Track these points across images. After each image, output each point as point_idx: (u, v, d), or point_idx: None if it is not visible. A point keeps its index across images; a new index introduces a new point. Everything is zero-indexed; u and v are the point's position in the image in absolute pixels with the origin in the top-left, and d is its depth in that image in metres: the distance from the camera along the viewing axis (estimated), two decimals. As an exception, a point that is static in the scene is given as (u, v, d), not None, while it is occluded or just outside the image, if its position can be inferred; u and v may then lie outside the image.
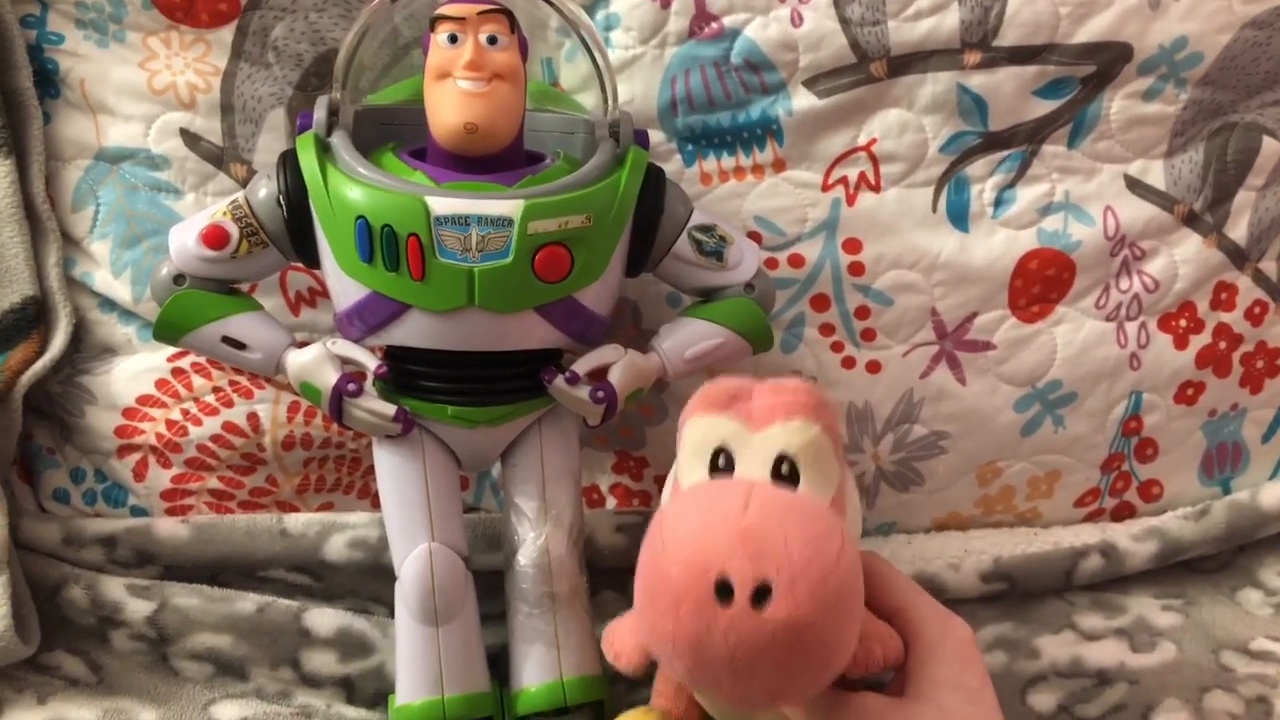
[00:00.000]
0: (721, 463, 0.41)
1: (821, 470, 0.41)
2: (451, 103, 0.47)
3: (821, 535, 0.37)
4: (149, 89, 0.57)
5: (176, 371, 0.59)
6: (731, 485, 0.40)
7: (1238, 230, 0.62)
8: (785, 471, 0.40)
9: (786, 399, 0.41)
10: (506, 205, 0.47)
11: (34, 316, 0.58)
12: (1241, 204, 0.61)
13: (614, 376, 0.51)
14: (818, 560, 0.36)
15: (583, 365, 0.51)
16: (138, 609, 0.56)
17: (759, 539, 0.36)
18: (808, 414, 0.40)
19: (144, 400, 0.59)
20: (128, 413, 0.59)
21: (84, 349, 0.60)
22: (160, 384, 0.59)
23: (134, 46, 0.57)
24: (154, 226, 0.58)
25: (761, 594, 0.36)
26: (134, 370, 0.59)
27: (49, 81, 0.58)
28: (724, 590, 0.36)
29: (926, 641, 0.41)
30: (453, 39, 0.48)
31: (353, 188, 0.47)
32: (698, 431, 0.42)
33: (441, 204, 0.46)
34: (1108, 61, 0.58)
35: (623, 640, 0.44)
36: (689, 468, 0.42)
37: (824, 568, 0.36)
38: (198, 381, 0.59)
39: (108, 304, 0.60)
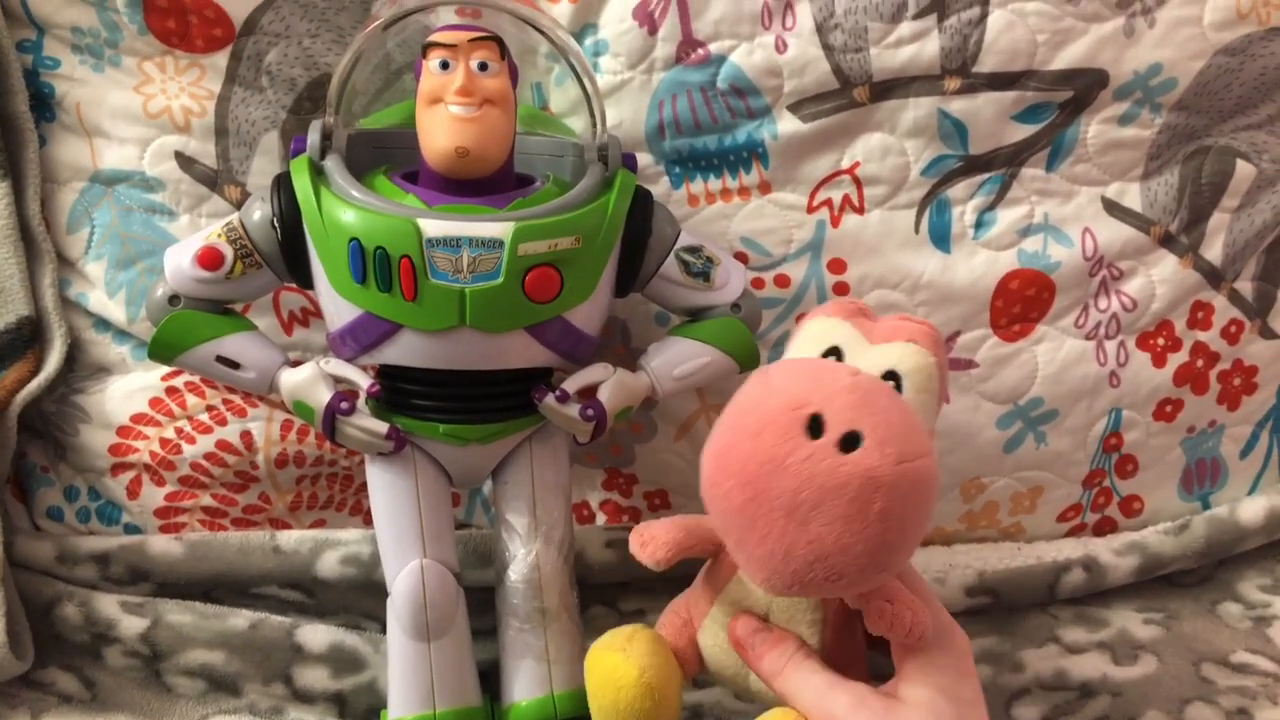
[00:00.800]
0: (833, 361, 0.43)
1: (923, 401, 0.42)
2: (443, 127, 0.48)
3: (918, 427, 0.38)
4: (144, 112, 0.58)
5: (170, 390, 0.60)
6: (841, 365, 0.41)
7: (1213, 251, 0.63)
8: (891, 387, 0.41)
9: (912, 326, 0.43)
10: (497, 227, 0.48)
11: (29, 336, 0.58)
12: (1216, 225, 0.63)
13: (603, 395, 0.52)
14: (911, 440, 0.37)
15: (572, 384, 0.52)
16: (131, 626, 0.56)
17: (865, 394, 0.38)
18: (929, 344, 0.42)
19: (138, 419, 0.60)
20: (122, 431, 0.60)
21: (78, 368, 0.60)
22: (154, 403, 0.60)
23: (129, 71, 0.58)
24: (149, 248, 0.59)
25: (851, 442, 0.37)
26: (128, 389, 0.60)
27: (45, 105, 0.59)
28: (816, 427, 0.37)
29: (926, 650, 0.42)
30: (444, 65, 0.49)
31: (346, 210, 0.48)
32: (817, 328, 0.44)
33: (433, 226, 0.47)
34: (1084, 87, 0.59)
35: (654, 531, 0.45)
36: (796, 355, 0.44)
37: (915, 449, 0.37)
38: (191, 400, 0.60)
39: (102, 324, 0.60)
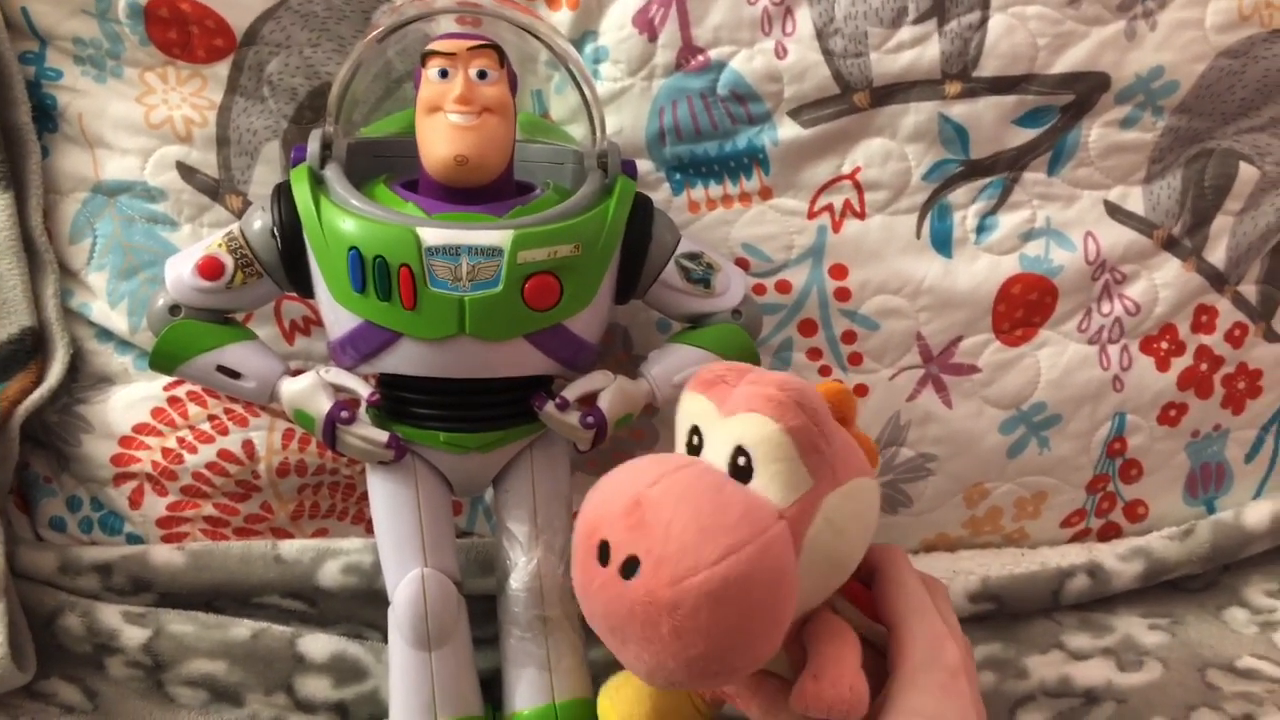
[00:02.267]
0: (695, 442, 0.41)
1: (778, 471, 0.38)
2: (442, 136, 0.48)
3: (715, 529, 0.37)
4: (146, 123, 0.58)
5: (172, 400, 0.60)
6: (663, 459, 0.40)
7: (1216, 254, 0.63)
8: (742, 464, 0.39)
9: (756, 391, 0.39)
10: (496, 235, 0.48)
11: (31, 347, 0.58)
12: (1219, 228, 0.62)
13: (603, 402, 0.52)
14: (695, 553, 0.36)
15: (572, 391, 0.52)
16: (133, 636, 0.56)
17: (644, 514, 0.37)
18: (771, 410, 0.38)
19: (140, 429, 0.60)
20: (124, 441, 0.60)
21: (81, 378, 0.61)
22: (156, 412, 0.60)
23: (131, 82, 0.58)
24: (150, 258, 0.59)
25: (632, 566, 0.37)
26: (130, 399, 0.60)
27: (47, 116, 0.59)
28: (605, 553, 0.38)
29: (911, 666, 0.41)
30: (444, 74, 0.49)
31: (346, 219, 0.48)
32: (682, 406, 0.43)
33: (433, 234, 0.47)
34: (1086, 91, 0.59)
35: None
36: (676, 442, 0.43)
37: (698, 561, 0.36)
38: (193, 410, 0.60)
39: (105, 334, 0.60)
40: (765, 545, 0.37)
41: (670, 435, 0.62)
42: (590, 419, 0.51)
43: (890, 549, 0.45)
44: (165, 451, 0.60)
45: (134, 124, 0.58)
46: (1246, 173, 0.62)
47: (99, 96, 0.58)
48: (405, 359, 0.49)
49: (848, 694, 0.39)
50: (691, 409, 0.42)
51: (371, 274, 0.48)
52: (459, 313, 0.48)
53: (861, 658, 0.40)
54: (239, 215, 0.59)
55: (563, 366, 0.52)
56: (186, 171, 0.59)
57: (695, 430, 0.41)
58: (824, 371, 0.62)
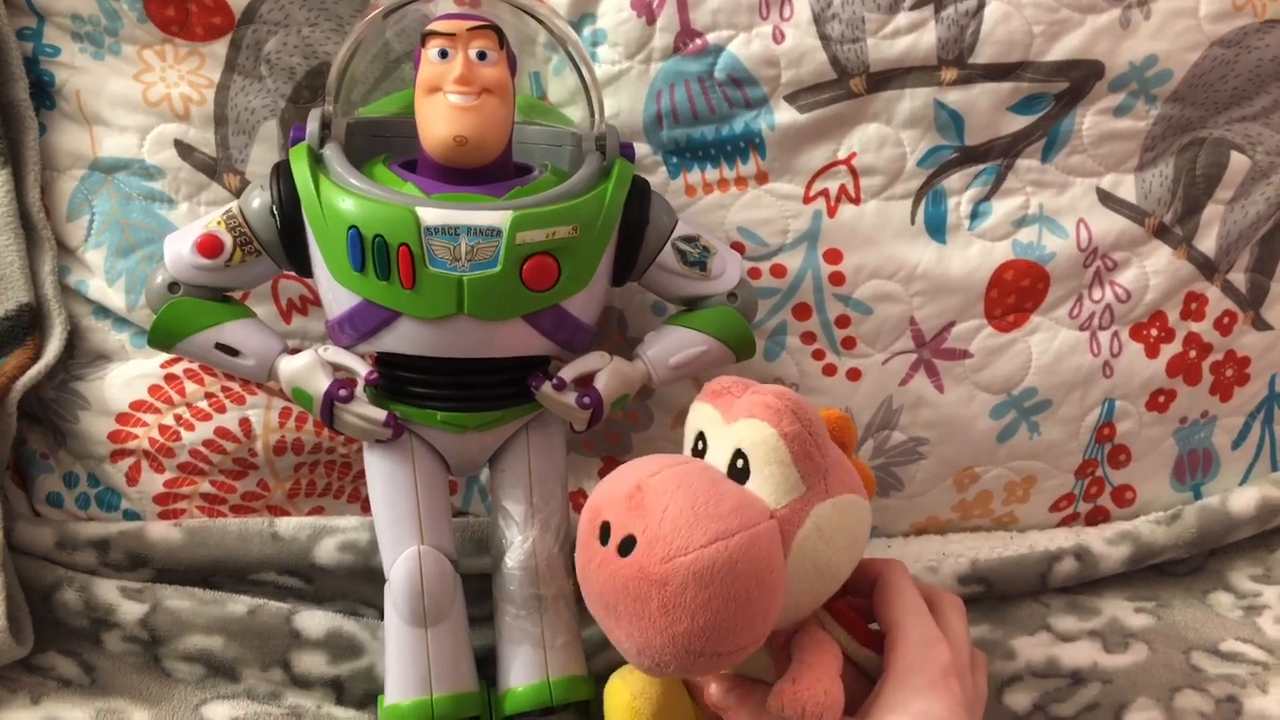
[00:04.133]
0: (700, 447, 0.45)
1: (772, 474, 0.41)
2: (442, 116, 0.48)
3: (707, 516, 0.39)
4: (144, 101, 0.58)
5: (169, 378, 0.60)
6: (667, 456, 0.43)
7: (1207, 242, 0.63)
8: (740, 466, 0.42)
9: (756, 400, 0.43)
10: (495, 216, 0.48)
11: (29, 324, 0.59)
12: (1210, 217, 0.63)
13: (600, 382, 0.52)
14: (686, 533, 0.39)
15: (569, 372, 0.52)
16: (130, 611, 0.57)
17: (644, 498, 0.40)
18: (769, 416, 0.41)
19: (137, 406, 0.60)
20: (121, 418, 0.60)
21: (78, 355, 0.61)
22: (153, 390, 0.60)
23: (129, 59, 0.58)
24: (148, 235, 0.59)
25: (627, 546, 0.40)
26: (127, 376, 0.60)
27: (45, 93, 0.59)
28: (605, 533, 0.40)
29: (903, 667, 0.42)
30: (443, 54, 0.49)
31: (345, 198, 0.49)
32: (691, 415, 0.46)
33: (432, 214, 0.48)
34: (1080, 78, 0.59)
35: None
36: (686, 447, 0.46)
37: (688, 542, 0.39)
38: (190, 387, 0.60)
39: (102, 311, 0.60)
40: (754, 537, 0.40)
41: (665, 417, 0.63)
42: (587, 399, 0.52)
43: (892, 562, 0.47)
44: (163, 429, 0.60)
45: (132, 101, 0.58)
46: (1238, 162, 0.62)
47: (97, 74, 0.58)
48: (403, 338, 0.50)
49: (822, 697, 0.41)
50: (699, 417, 0.45)
51: (371, 253, 0.48)
52: (458, 292, 0.48)
53: (842, 671, 0.42)
54: (236, 194, 0.59)
55: (560, 347, 0.52)
56: (184, 149, 0.59)
57: (701, 436, 0.45)
58: (817, 355, 0.62)
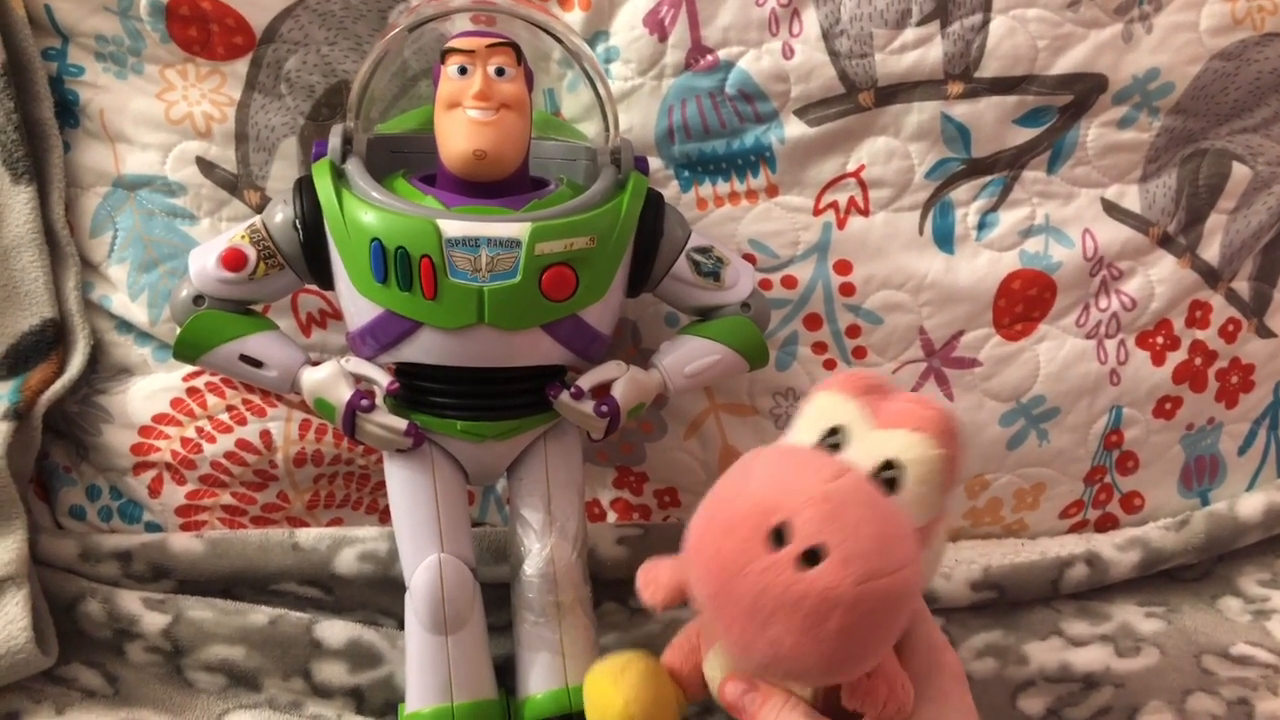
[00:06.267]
0: (835, 441, 0.41)
1: (924, 494, 0.39)
2: (462, 131, 0.49)
3: (897, 538, 0.37)
4: (166, 119, 0.59)
5: (191, 390, 0.61)
6: (828, 457, 0.40)
7: (1210, 251, 0.64)
8: (889, 477, 0.40)
9: (924, 412, 0.40)
10: (515, 228, 0.49)
11: (53, 338, 0.59)
12: (1213, 226, 0.64)
13: (617, 391, 0.53)
14: (879, 558, 0.36)
15: (587, 381, 0.53)
16: (153, 622, 0.57)
17: (836, 506, 0.37)
18: (936, 433, 0.39)
19: (159, 419, 0.61)
20: (144, 431, 0.61)
21: (101, 369, 0.62)
22: (175, 403, 0.61)
23: (152, 78, 0.59)
24: (170, 251, 0.60)
25: (812, 557, 0.36)
26: (150, 389, 0.61)
27: (69, 112, 0.60)
28: (778, 537, 0.37)
29: (913, 675, 0.42)
30: (462, 70, 0.50)
31: (367, 212, 0.49)
32: (822, 404, 0.42)
33: (453, 227, 0.49)
34: (1084, 91, 0.61)
35: (659, 571, 0.44)
36: (797, 433, 0.43)
37: (881, 567, 0.36)
38: (212, 400, 0.61)
39: (125, 326, 0.61)
40: (919, 563, 0.38)
41: (679, 427, 0.64)
42: (604, 408, 0.52)
43: None
44: (184, 441, 0.61)
45: (154, 120, 0.59)
46: (1239, 172, 0.63)
47: (120, 92, 0.59)
48: (425, 348, 0.50)
49: (900, 692, 0.40)
50: (835, 409, 0.42)
51: (393, 265, 0.49)
52: (478, 303, 0.49)
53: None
54: (257, 210, 0.60)
55: (577, 356, 0.53)
56: (206, 166, 0.60)
57: (836, 430, 0.41)
58: (828, 365, 0.63)
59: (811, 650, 0.37)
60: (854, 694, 0.40)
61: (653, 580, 0.45)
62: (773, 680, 0.40)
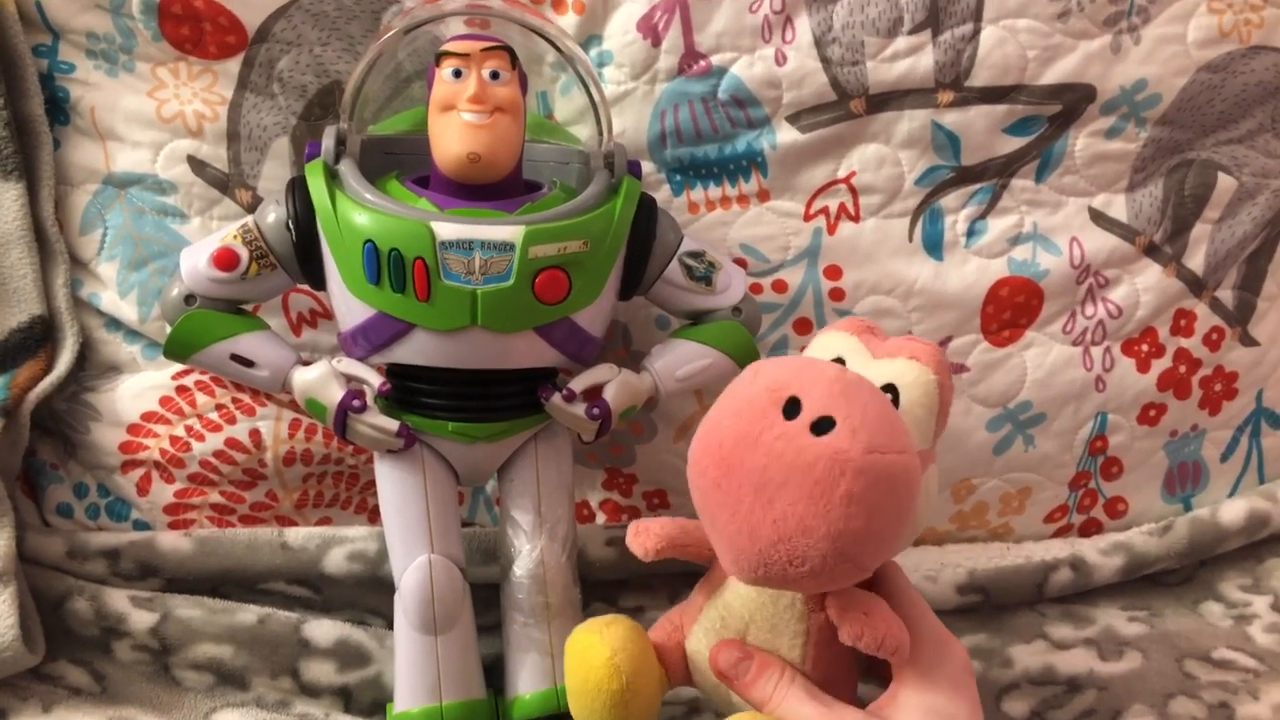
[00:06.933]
0: None
1: (919, 418, 0.42)
2: (456, 133, 0.50)
3: (899, 425, 0.39)
4: (157, 117, 0.59)
5: (180, 389, 0.61)
6: (833, 364, 0.41)
7: (1195, 260, 0.65)
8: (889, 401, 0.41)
9: (916, 344, 0.43)
10: (508, 231, 0.49)
11: (41, 335, 0.59)
12: (1199, 236, 0.65)
13: (609, 394, 0.53)
14: (886, 433, 0.38)
15: (579, 383, 0.53)
16: (141, 620, 0.57)
17: (846, 385, 0.39)
18: (930, 361, 0.42)
19: (148, 417, 0.61)
20: (132, 429, 0.61)
21: (90, 367, 0.61)
22: (164, 401, 0.61)
23: (143, 76, 0.59)
24: (160, 249, 0.60)
25: (824, 425, 0.37)
26: (139, 388, 0.61)
27: (59, 109, 0.60)
28: (792, 409, 0.38)
29: (923, 666, 0.42)
30: (457, 73, 0.50)
31: (361, 213, 0.50)
32: (825, 340, 0.45)
33: (446, 229, 0.49)
34: (1073, 101, 0.61)
35: (649, 524, 0.46)
36: None
37: (888, 442, 0.38)
38: (201, 399, 0.61)
39: (114, 323, 0.61)
40: (919, 461, 0.40)
41: (669, 429, 0.64)
42: (596, 410, 0.53)
43: (888, 562, 0.47)
44: (173, 439, 0.61)
45: (145, 118, 0.59)
46: (1225, 183, 0.64)
47: (111, 90, 0.59)
48: (417, 350, 0.51)
49: (898, 632, 0.41)
50: (836, 344, 0.45)
51: (386, 266, 0.49)
52: (471, 305, 0.49)
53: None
54: (248, 209, 0.60)
55: (569, 359, 0.53)
56: (197, 165, 0.60)
57: (839, 361, 0.44)
58: (818, 369, 0.63)
59: (820, 521, 0.37)
60: (853, 628, 0.40)
61: (643, 530, 0.46)
62: (773, 578, 0.39)
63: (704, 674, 0.47)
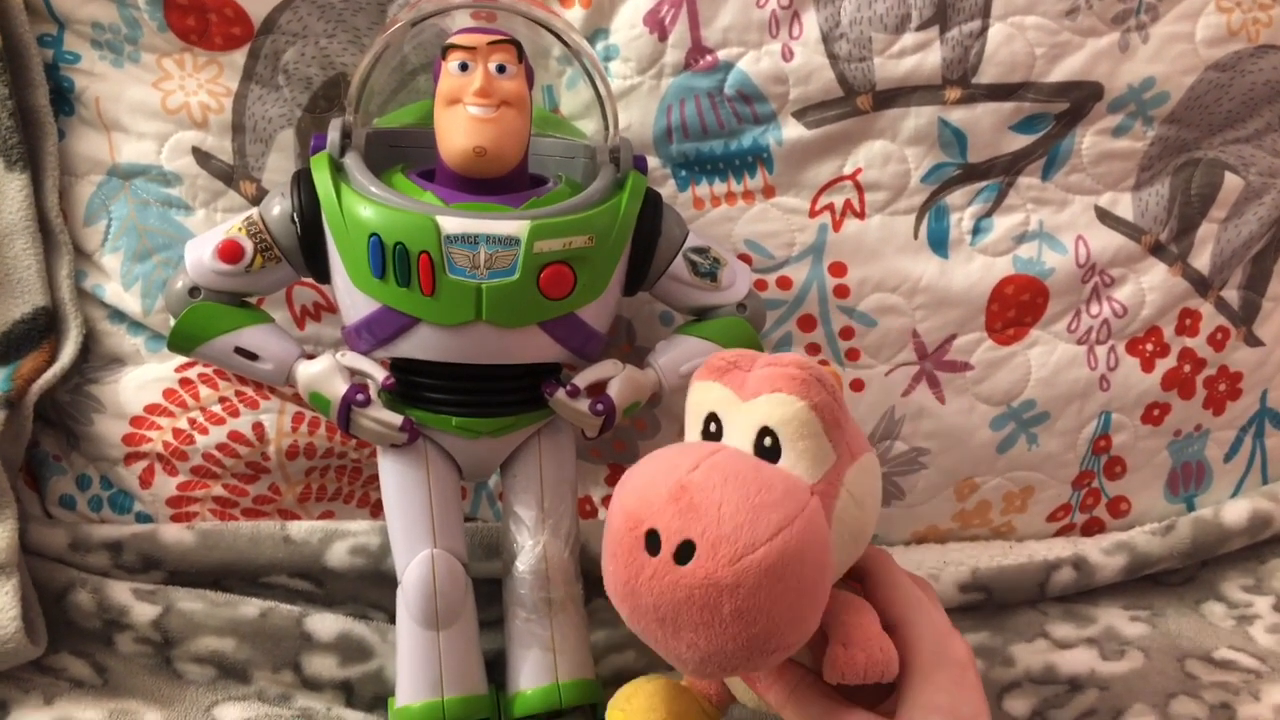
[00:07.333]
0: (713, 429, 0.42)
1: (806, 448, 0.39)
2: (462, 127, 0.49)
3: (765, 506, 0.37)
4: (162, 108, 0.59)
5: (184, 382, 0.61)
6: (694, 446, 0.40)
7: (1201, 260, 0.65)
8: (769, 444, 0.40)
9: (777, 372, 0.40)
10: (514, 225, 0.49)
11: (45, 327, 0.59)
12: (1205, 235, 0.64)
13: (613, 390, 0.53)
14: (750, 529, 0.36)
15: (583, 379, 0.53)
16: (143, 613, 0.57)
17: (692, 498, 0.37)
18: (795, 389, 0.39)
19: (152, 409, 0.61)
20: (135, 421, 0.61)
21: (93, 359, 0.61)
22: (168, 393, 0.61)
23: (148, 67, 0.59)
24: (165, 241, 0.60)
25: (686, 551, 0.37)
26: (142, 380, 0.61)
27: (64, 99, 0.60)
28: (653, 542, 0.37)
29: (922, 663, 0.41)
30: (464, 67, 0.50)
31: (366, 206, 0.49)
32: (695, 396, 0.43)
33: (452, 223, 0.49)
34: (1080, 99, 0.61)
35: None
36: (689, 432, 0.43)
37: (754, 538, 0.36)
38: (204, 391, 0.61)
39: (118, 315, 0.61)
40: (808, 520, 0.38)
41: (672, 425, 0.64)
42: (600, 406, 0.53)
43: (876, 551, 0.46)
44: (176, 432, 0.61)
45: (150, 109, 0.59)
46: (1231, 182, 0.64)
47: (116, 81, 0.59)
48: (421, 344, 0.50)
49: (879, 655, 0.40)
50: (706, 397, 0.42)
51: (391, 260, 0.49)
52: (476, 299, 0.49)
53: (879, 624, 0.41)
54: (253, 201, 0.60)
55: (573, 354, 0.53)
56: (202, 157, 0.60)
57: (713, 418, 0.42)
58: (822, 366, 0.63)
59: (724, 642, 0.37)
60: (833, 669, 0.40)
61: None
62: (729, 675, 0.40)
63: (740, 688, 0.47)
